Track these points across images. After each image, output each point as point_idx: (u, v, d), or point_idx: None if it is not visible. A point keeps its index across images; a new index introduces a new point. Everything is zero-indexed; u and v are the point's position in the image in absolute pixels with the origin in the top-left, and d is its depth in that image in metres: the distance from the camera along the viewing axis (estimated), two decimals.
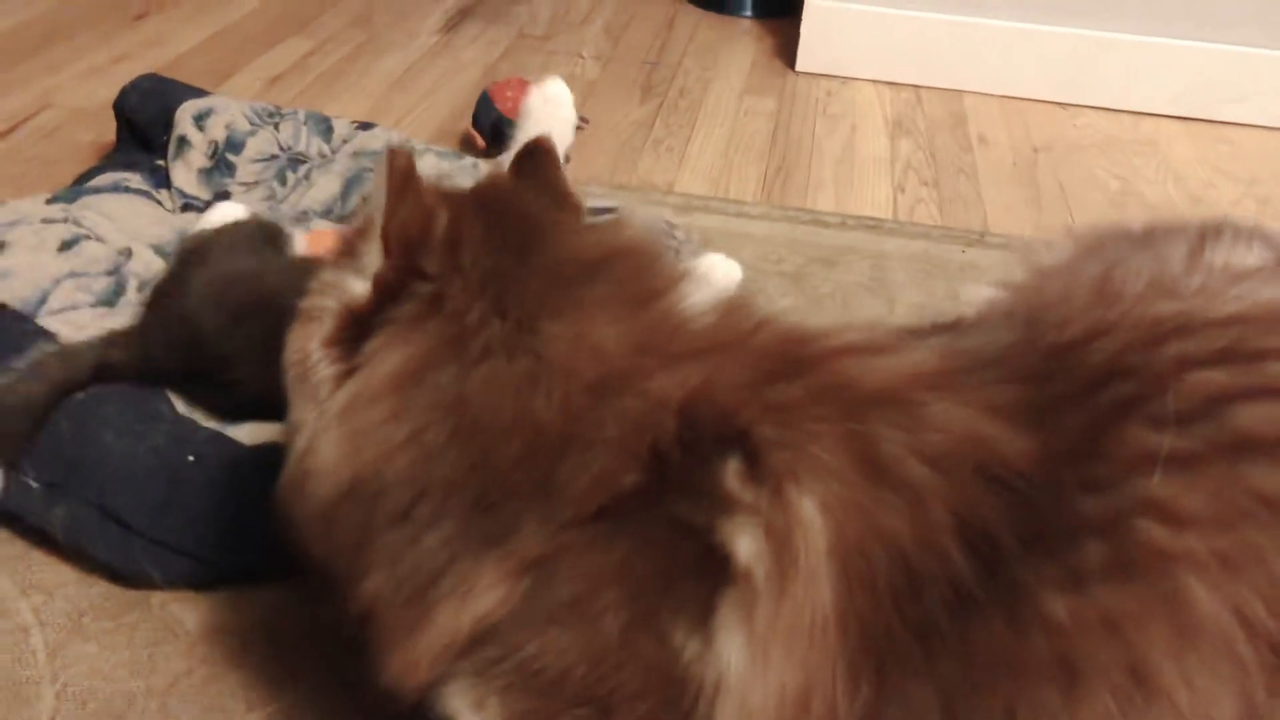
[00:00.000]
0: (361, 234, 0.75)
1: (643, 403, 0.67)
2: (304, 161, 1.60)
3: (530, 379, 0.68)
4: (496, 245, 0.74)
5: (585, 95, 2.12)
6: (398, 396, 0.69)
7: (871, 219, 1.72)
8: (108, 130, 1.73)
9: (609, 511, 0.65)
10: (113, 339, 1.14)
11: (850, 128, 2.06)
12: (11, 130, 1.82)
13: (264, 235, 1.25)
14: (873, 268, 1.59)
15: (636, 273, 0.76)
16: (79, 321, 1.23)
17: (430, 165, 1.59)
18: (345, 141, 1.64)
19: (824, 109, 2.14)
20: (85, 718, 0.89)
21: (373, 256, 0.73)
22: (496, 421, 0.68)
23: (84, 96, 1.96)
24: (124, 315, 1.26)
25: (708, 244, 1.60)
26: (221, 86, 2.03)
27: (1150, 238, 0.90)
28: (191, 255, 1.20)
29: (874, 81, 2.26)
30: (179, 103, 1.62)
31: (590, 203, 1.44)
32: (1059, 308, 0.76)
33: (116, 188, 1.50)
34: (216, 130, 1.59)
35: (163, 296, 1.17)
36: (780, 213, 1.72)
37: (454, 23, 2.44)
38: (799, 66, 2.29)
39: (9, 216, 1.36)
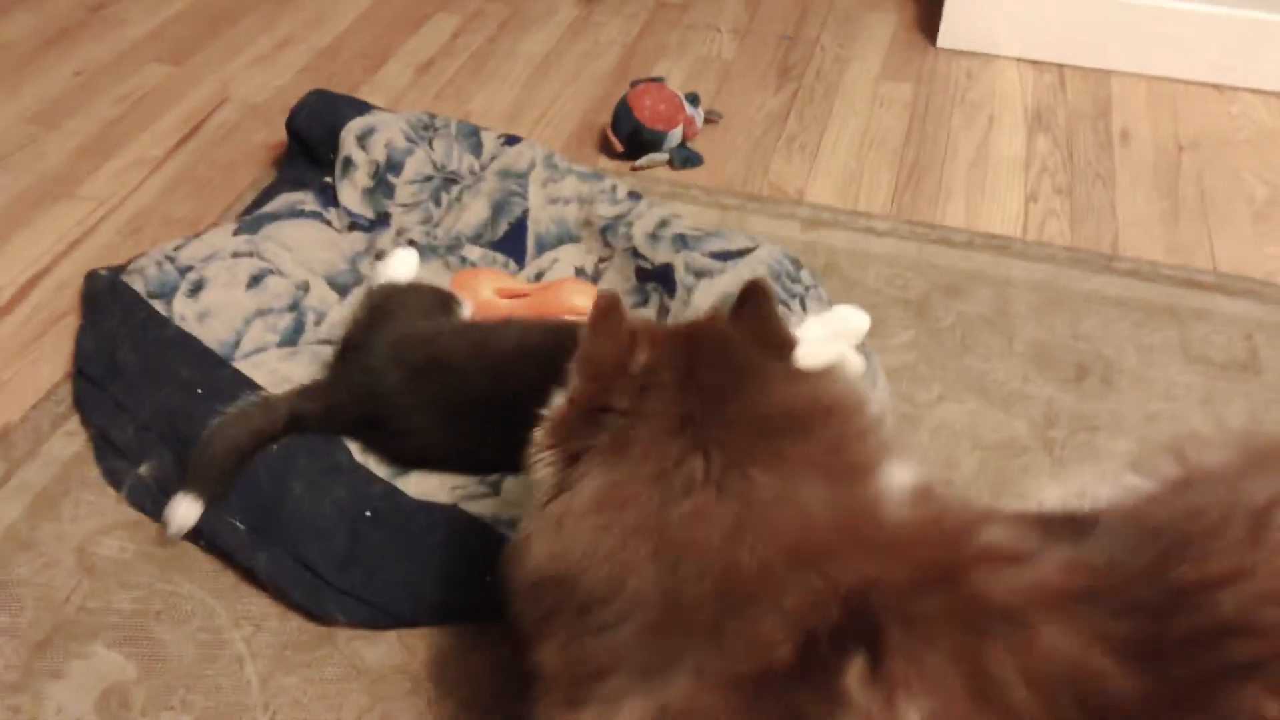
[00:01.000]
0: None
1: (824, 583, 0.72)
2: (456, 181, 1.72)
3: (737, 524, 0.75)
4: (699, 388, 0.83)
5: (721, 79, 2.15)
6: (602, 516, 0.79)
7: (999, 239, 1.74)
8: (278, 129, 1.88)
9: (752, 680, 0.71)
10: (305, 392, 1.31)
11: (988, 120, 2.04)
12: (195, 130, 1.98)
13: (440, 301, 1.38)
14: (995, 297, 1.62)
15: (845, 439, 0.81)
16: (267, 364, 1.40)
17: (571, 189, 1.68)
18: (493, 158, 1.74)
19: (963, 95, 2.12)
20: None
21: (573, 379, 0.86)
22: (697, 555, 0.75)
23: (255, 89, 2.10)
24: (304, 356, 1.42)
25: (834, 269, 1.67)
26: (375, 75, 2.14)
27: None
28: (377, 312, 1.34)
29: (1018, 60, 2.22)
30: (344, 120, 1.75)
31: (723, 240, 1.52)
32: (1202, 538, 0.71)
33: (293, 212, 1.65)
34: (377, 150, 1.71)
35: (351, 350, 1.32)
36: (908, 229, 1.75)
37: None
38: (940, 42, 2.26)
39: (204, 251, 1.53)
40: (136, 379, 1.39)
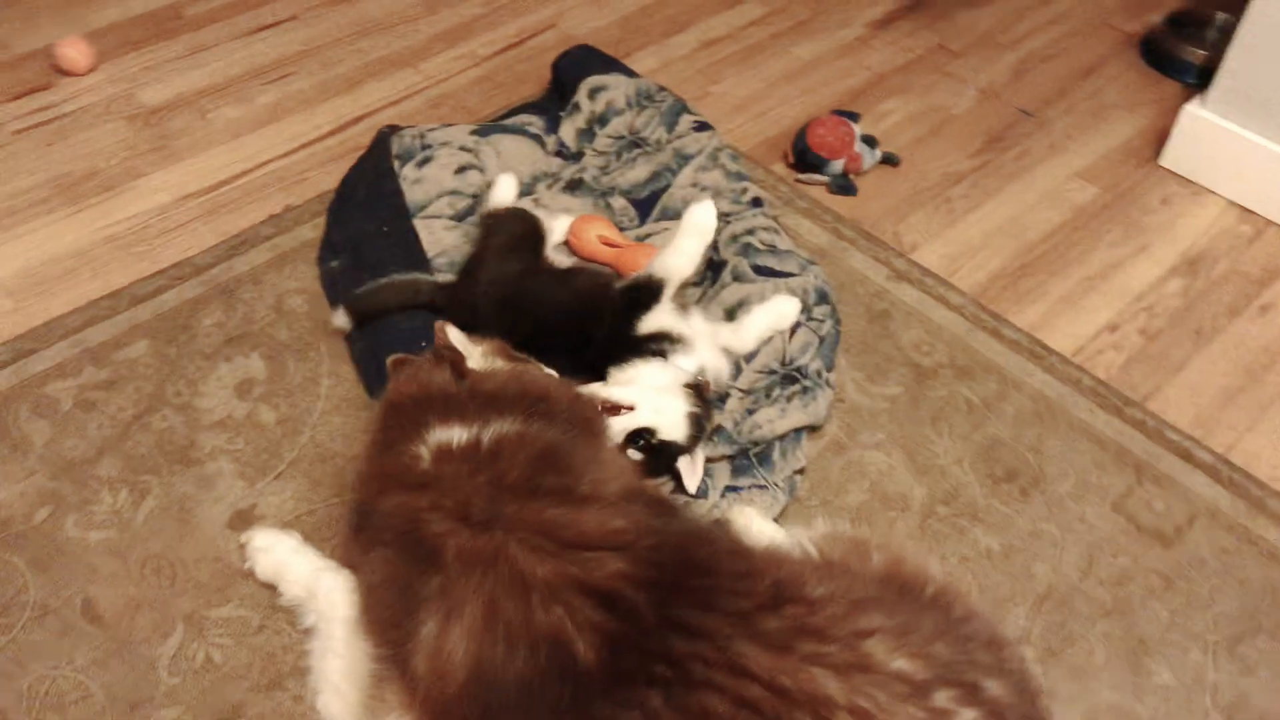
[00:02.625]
0: None
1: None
2: (640, 146, 2.19)
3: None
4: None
5: (933, 129, 2.41)
6: None
7: (1043, 349, 1.92)
8: None
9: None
10: (441, 288, 1.85)
11: (1140, 246, 2.15)
12: (518, 44, 2.61)
13: (528, 232, 1.89)
14: (995, 392, 1.85)
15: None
16: (434, 227, 2.00)
17: (712, 180, 2.08)
18: (679, 137, 2.20)
19: (1140, 216, 2.22)
20: None
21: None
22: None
23: (577, 24, 2.68)
24: (459, 232, 2.00)
25: (880, 316, 1.96)
26: (668, 39, 2.63)
27: None
28: (485, 239, 1.88)
29: (1227, 202, 2.25)
30: (590, 73, 2.27)
31: (777, 259, 1.88)
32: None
33: (519, 129, 2.22)
34: (599, 105, 2.23)
35: (465, 274, 1.87)
36: (973, 311, 1.99)
37: (892, 18, 2.76)
38: (1162, 160, 2.33)
39: (444, 138, 2.15)
40: (358, 205, 2.06)
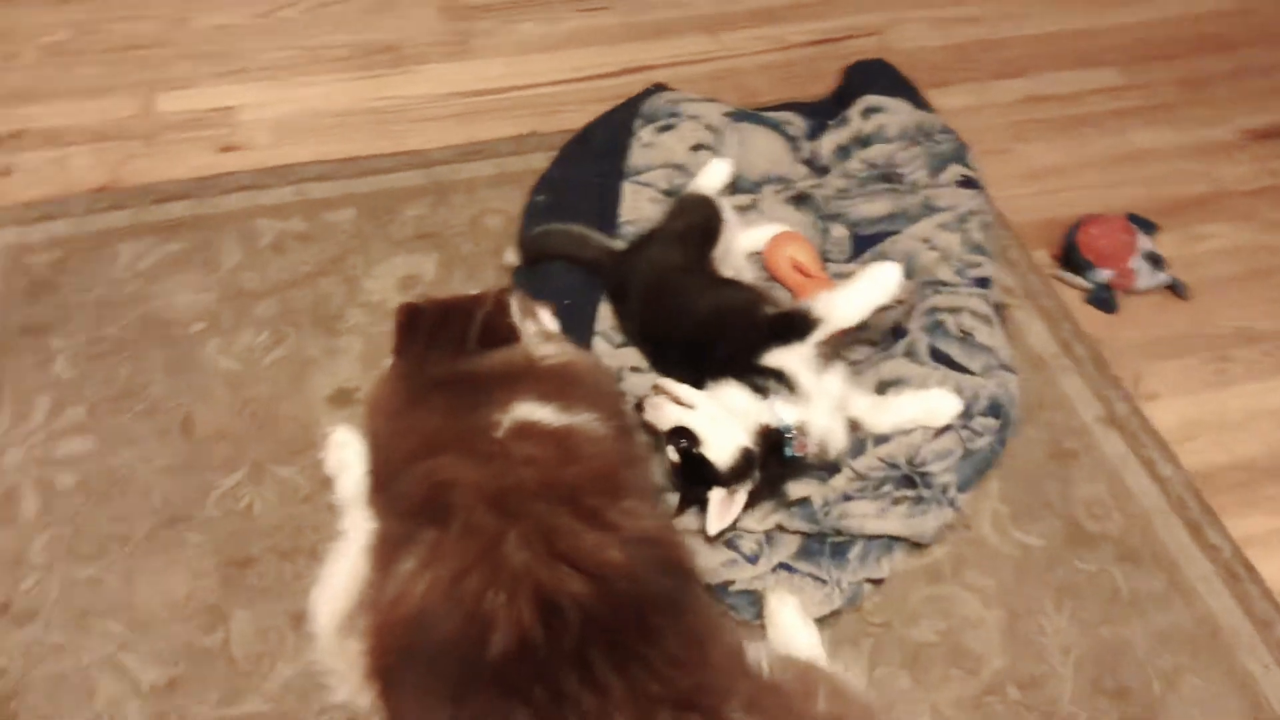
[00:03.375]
0: None
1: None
2: (891, 181, 2.00)
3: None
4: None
5: (1256, 273, 2.01)
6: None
7: (1249, 584, 1.57)
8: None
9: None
10: (610, 253, 1.80)
11: None
12: (830, 41, 2.46)
13: (704, 226, 1.78)
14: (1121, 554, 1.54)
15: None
16: (640, 191, 1.94)
17: (947, 243, 1.86)
18: (937, 186, 1.98)
19: None
20: None
21: None
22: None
23: (904, 38, 2.49)
24: (660, 207, 1.93)
25: (1063, 456, 1.68)
26: (991, 82, 2.37)
27: None
28: (668, 217, 1.82)
29: None
30: (873, 90, 2.10)
31: (985, 355, 1.67)
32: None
33: (776, 125, 2.09)
34: (869, 126, 2.06)
35: (631, 250, 1.80)
36: (1165, 495, 1.65)
37: (1277, 132, 2.31)
38: None
39: (694, 110, 2.08)
40: (588, 151, 2.04)
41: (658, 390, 1.50)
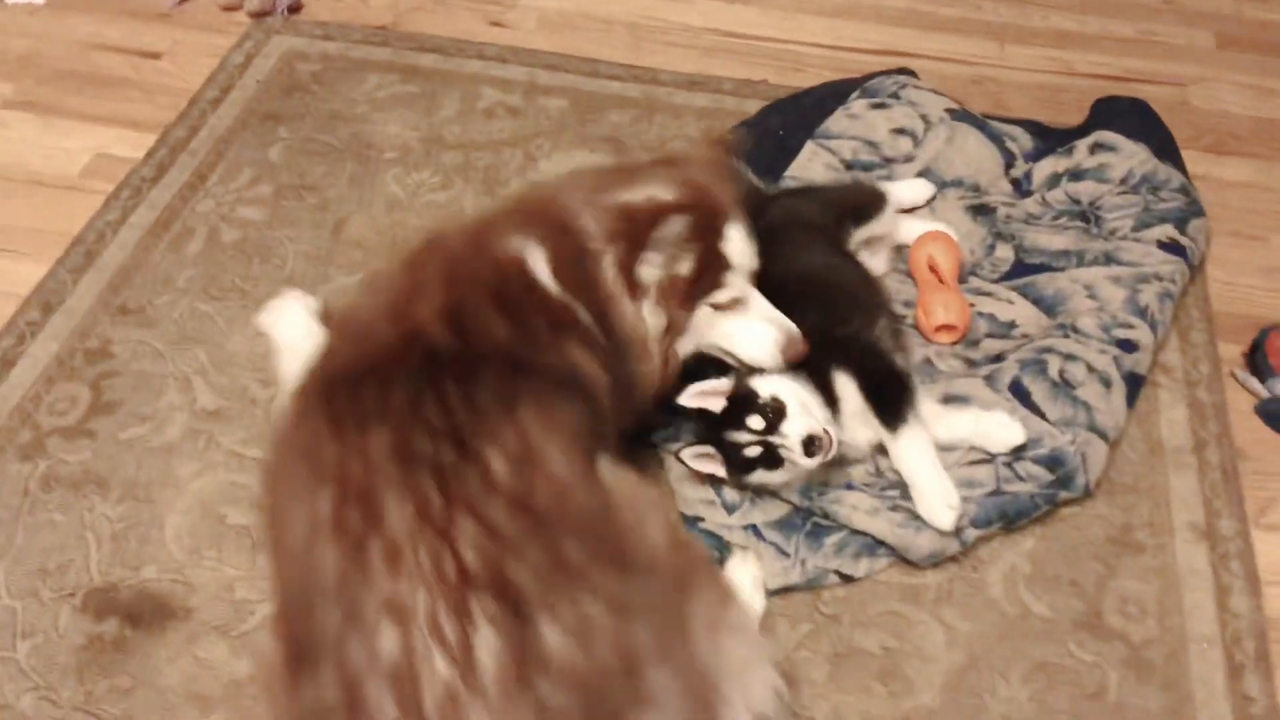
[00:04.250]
0: None
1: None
2: (1087, 221, 1.84)
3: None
4: None
5: None
6: None
7: None
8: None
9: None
10: (757, 195, 1.77)
11: None
12: (1120, 79, 2.26)
13: (862, 201, 1.74)
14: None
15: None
16: (818, 154, 1.94)
17: (1110, 295, 1.69)
18: (1134, 241, 1.79)
19: None
20: None
21: None
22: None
23: (1215, 95, 2.24)
24: (829, 175, 1.91)
25: (1161, 576, 1.50)
26: None
27: None
28: (814, 189, 1.81)
29: None
30: (1111, 126, 1.94)
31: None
32: None
33: (997, 135, 1.98)
34: (1092, 162, 1.91)
35: (777, 198, 1.79)
36: (1221, 621, 1.42)
37: None
38: None
39: (918, 98, 2.02)
40: (795, 106, 2.06)
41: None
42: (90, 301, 1.77)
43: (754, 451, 1.42)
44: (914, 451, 1.46)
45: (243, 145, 2.04)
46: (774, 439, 1.41)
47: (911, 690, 1.36)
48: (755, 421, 1.42)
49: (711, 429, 1.46)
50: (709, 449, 1.46)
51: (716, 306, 1.44)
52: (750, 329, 1.46)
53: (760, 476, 1.45)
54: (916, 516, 1.44)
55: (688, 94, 2.18)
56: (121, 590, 1.44)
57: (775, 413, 1.42)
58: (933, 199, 1.89)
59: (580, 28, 2.34)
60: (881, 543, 1.45)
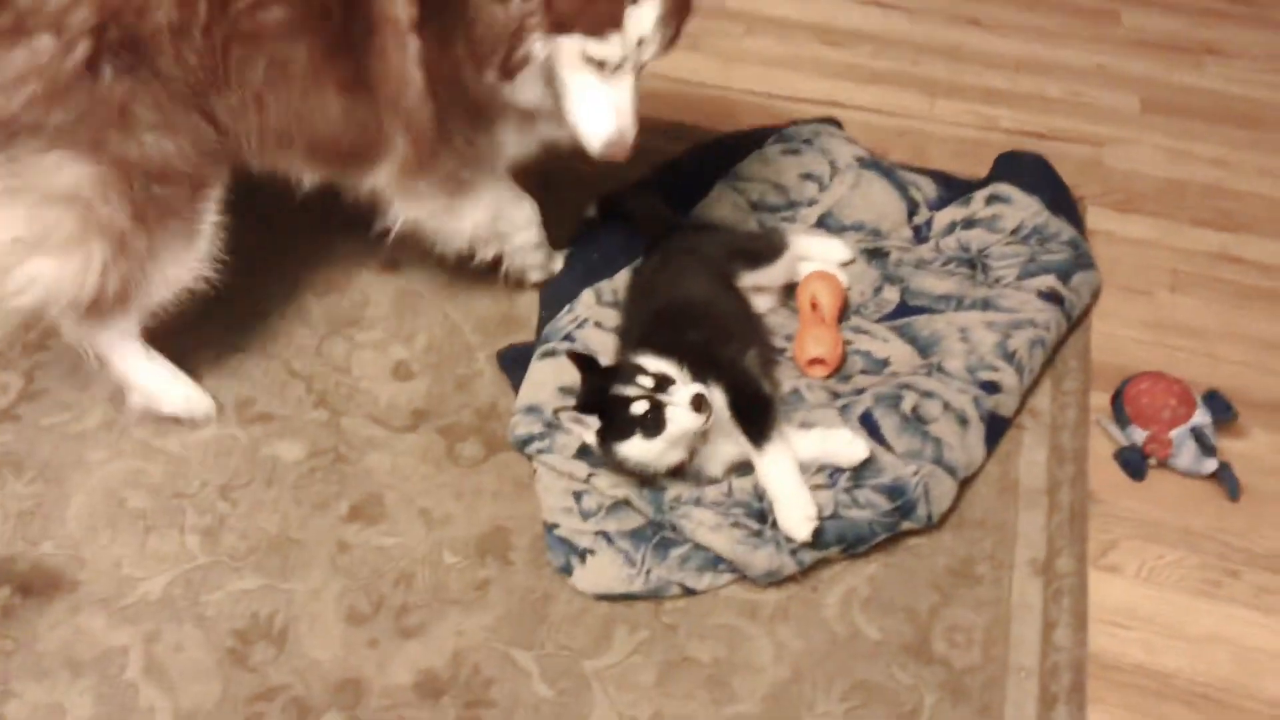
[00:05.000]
0: None
1: None
2: (974, 268, 1.93)
3: None
4: None
5: None
6: None
7: None
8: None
9: None
10: (669, 225, 1.93)
11: None
12: (1041, 137, 2.34)
13: (763, 248, 1.85)
14: None
15: None
16: (725, 194, 2.05)
17: (982, 340, 1.77)
18: (1015, 290, 1.87)
19: None
20: None
21: None
22: None
23: (1125, 160, 2.31)
24: (735, 212, 2.01)
25: (995, 610, 1.58)
26: (1189, 229, 2.15)
27: None
28: (717, 233, 1.92)
29: None
30: (1020, 186, 2.02)
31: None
32: None
33: (902, 184, 2.07)
34: (986, 212, 2.00)
35: (691, 228, 1.92)
36: (1057, 656, 1.49)
37: None
38: None
39: (830, 145, 2.13)
40: (713, 150, 2.16)
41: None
42: None
43: (639, 409, 1.49)
44: (777, 466, 1.55)
45: None
46: (662, 396, 1.49)
47: (734, 699, 1.45)
48: (646, 380, 1.51)
49: (598, 390, 1.54)
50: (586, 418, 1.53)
51: (588, 58, 1.49)
52: (598, 101, 1.52)
53: (633, 446, 1.51)
54: (756, 534, 1.53)
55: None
56: (18, 562, 1.56)
57: (662, 379, 1.52)
58: (849, 263, 1.94)
59: None
60: (724, 560, 1.54)
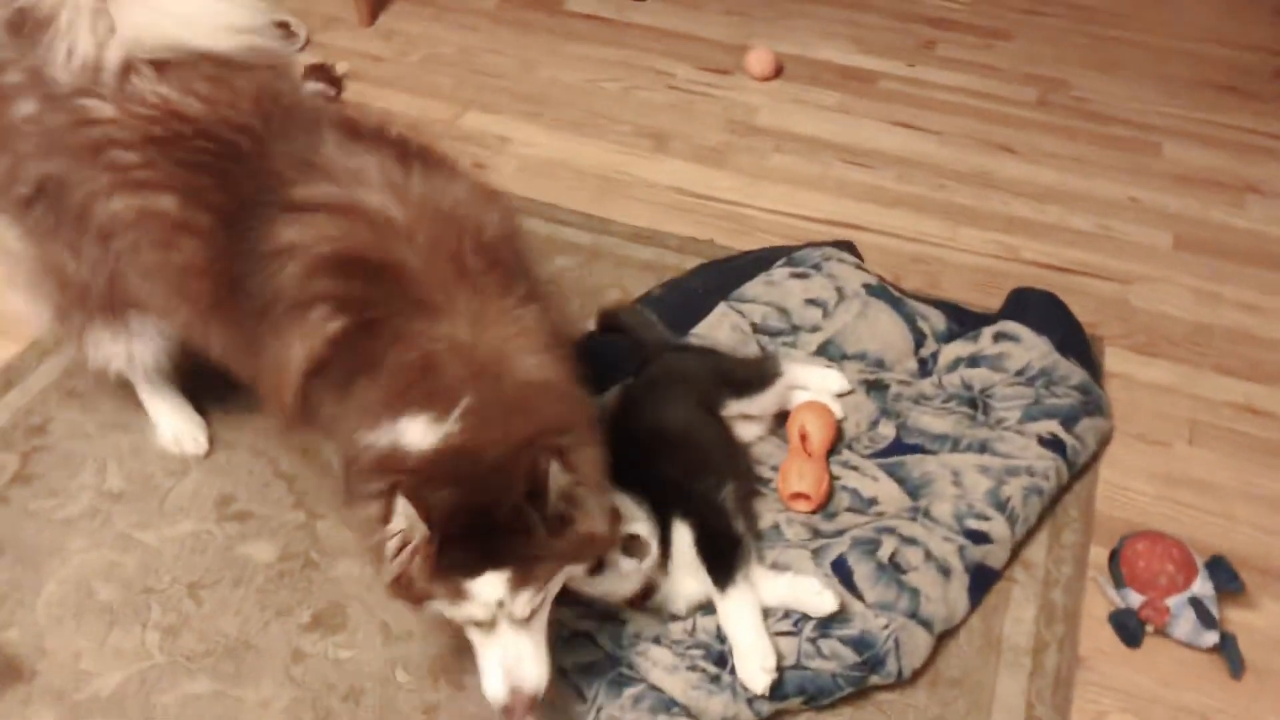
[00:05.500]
0: None
1: None
2: (975, 408, 1.87)
3: None
4: None
5: None
6: None
7: None
8: None
9: None
10: (661, 345, 1.92)
11: None
12: (1062, 270, 2.29)
13: (755, 376, 1.82)
14: None
15: None
16: (728, 317, 2.02)
17: (975, 485, 1.72)
18: (1017, 434, 1.81)
19: None
20: None
21: None
22: None
23: (1152, 300, 2.25)
24: (735, 338, 1.99)
25: None
26: (1224, 377, 2.07)
27: None
28: (708, 357, 1.88)
29: None
30: (1032, 325, 1.97)
31: None
32: None
33: (911, 316, 2.02)
34: (992, 350, 1.94)
35: (681, 348, 1.91)
36: None
37: None
38: None
39: (837, 271, 2.09)
40: (722, 269, 2.15)
41: None
42: (45, 382, 1.97)
43: None
44: (739, 612, 1.50)
45: None
46: None
47: None
48: None
49: None
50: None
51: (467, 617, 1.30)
52: (488, 660, 1.32)
53: (581, 580, 1.46)
54: (714, 680, 1.48)
55: (634, 246, 2.31)
56: None
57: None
58: (848, 394, 1.90)
59: (555, 176, 2.51)
60: (676, 702, 1.48)
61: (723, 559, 1.53)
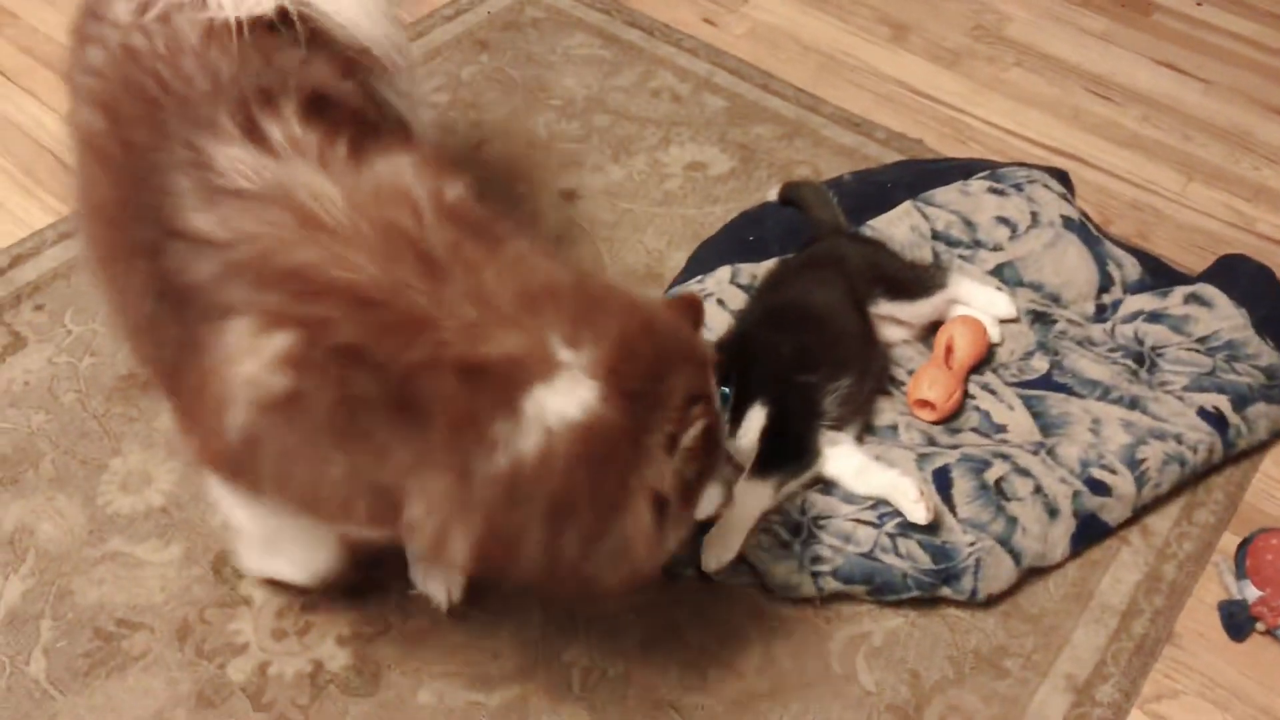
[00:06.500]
0: None
1: None
2: (1141, 365, 1.77)
3: None
4: None
5: None
6: None
7: None
8: None
9: None
10: (835, 228, 1.92)
11: None
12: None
13: (919, 281, 1.79)
14: None
15: None
16: (904, 207, 1.97)
17: (1113, 437, 1.64)
18: (1180, 400, 1.70)
19: None
20: None
21: None
22: None
23: None
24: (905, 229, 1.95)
25: None
26: None
27: None
28: (873, 251, 1.85)
29: None
30: (1224, 287, 1.83)
31: None
32: None
33: (1105, 257, 1.91)
34: (1178, 311, 1.82)
35: (851, 237, 1.89)
36: None
37: None
38: None
39: (1039, 195, 1.98)
40: (921, 169, 2.09)
41: None
42: None
43: None
44: (741, 498, 1.53)
45: (446, 59, 2.37)
46: None
47: (703, 689, 1.45)
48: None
49: None
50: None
51: None
52: None
53: None
54: (784, 545, 1.52)
55: (838, 129, 2.26)
56: None
57: None
58: (1011, 321, 1.83)
59: (781, 46, 2.48)
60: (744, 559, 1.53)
61: (772, 455, 1.54)
